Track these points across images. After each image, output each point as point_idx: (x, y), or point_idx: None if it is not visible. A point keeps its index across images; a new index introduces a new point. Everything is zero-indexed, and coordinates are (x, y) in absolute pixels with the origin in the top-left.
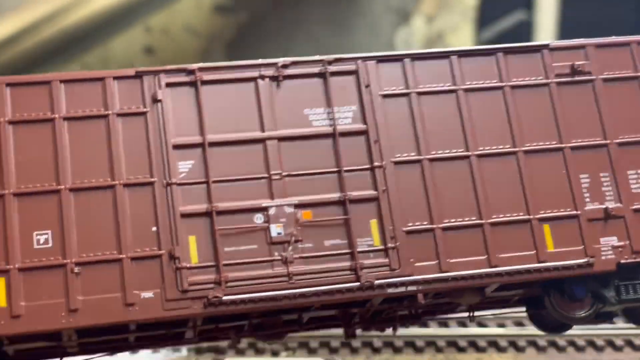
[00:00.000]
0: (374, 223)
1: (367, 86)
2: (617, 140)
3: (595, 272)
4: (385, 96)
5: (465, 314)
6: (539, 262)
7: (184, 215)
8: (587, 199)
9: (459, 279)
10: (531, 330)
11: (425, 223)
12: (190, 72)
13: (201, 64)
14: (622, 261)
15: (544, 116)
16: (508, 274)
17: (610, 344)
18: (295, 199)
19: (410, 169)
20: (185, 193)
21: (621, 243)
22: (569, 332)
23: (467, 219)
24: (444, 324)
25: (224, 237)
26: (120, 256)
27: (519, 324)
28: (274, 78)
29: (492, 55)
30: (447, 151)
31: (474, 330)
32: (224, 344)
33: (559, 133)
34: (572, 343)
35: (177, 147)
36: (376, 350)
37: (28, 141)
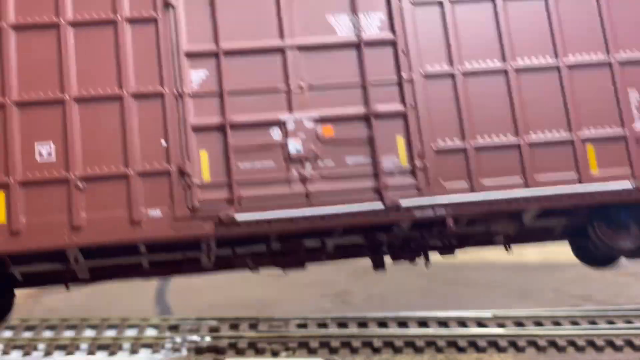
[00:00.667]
0: (400, 140)
1: None
2: None
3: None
4: (416, 4)
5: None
6: (582, 183)
7: (196, 129)
8: (636, 118)
9: (492, 202)
10: (531, 330)
11: (456, 141)
12: None
13: None
14: None
15: (590, 25)
16: (547, 198)
17: (610, 344)
18: (316, 113)
19: (441, 82)
20: (197, 105)
21: None
22: (569, 332)
23: (502, 137)
24: (444, 323)
25: (237, 153)
26: (127, 171)
27: (519, 324)
28: None
29: None
30: (483, 64)
31: (474, 330)
32: (223, 343)
33: (606, 44)
34: (572, 343)
35: (189, 55)
36: (376, 350)
37: (31, 47)
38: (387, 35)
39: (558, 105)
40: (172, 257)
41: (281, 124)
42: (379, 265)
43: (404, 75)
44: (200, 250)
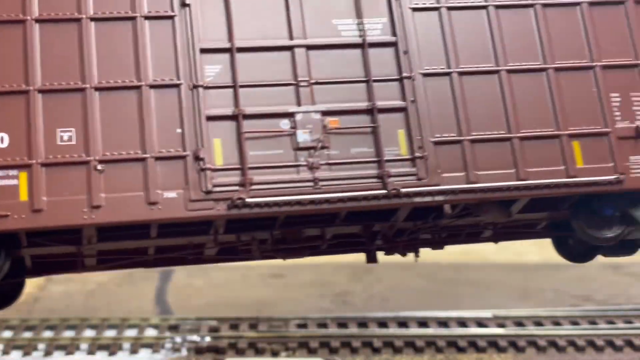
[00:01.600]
0: (401, 133)
1: None
2: None
3: (624, 190)
4: (415, 9)
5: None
6: (569, 177)
7: (210, 118)
8: (618, 118)
9: (487, 190)
10: (531, 330)
11: (453, 135)
12: None
13: None
14: None
15: (575, 35)
16: (537, 187)
17: (610, 344)
18: (323, 106)
19: (439, 81)
20: (211, 96)
21: None
22: (569, 332)
23: (495, 132)
24: (444, 324)
25: (249, 141)
26: (145, 155)
27: (519, 324)
28: None
29: None
30: (477, 65)
31: (473, 330)
32: (223, 343)
33: (590, 52)
34: (572, 343)
35: (204, 51)
36: (376, 351)
37: (54, 40)
38: (389, 37)
39: (546, 105)
40: (178, 241)
41: (290, 116)
42: (372, 258)
43: (405, 73)
44: (208, 234)
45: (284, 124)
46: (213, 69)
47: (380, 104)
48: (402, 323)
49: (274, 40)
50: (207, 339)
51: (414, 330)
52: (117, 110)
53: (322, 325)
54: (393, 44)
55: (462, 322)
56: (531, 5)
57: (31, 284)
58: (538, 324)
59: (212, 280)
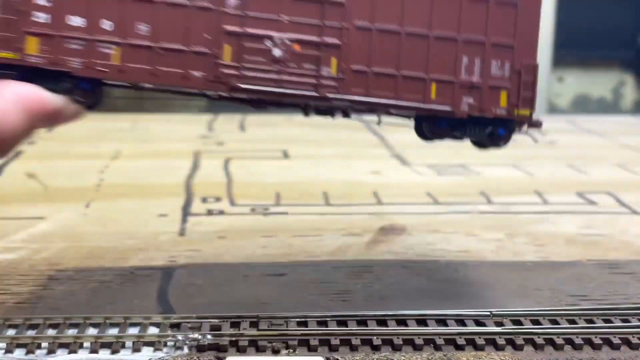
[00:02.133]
0: (334, 60)
1: None
2: (491, 41)
3: (454, 116)
4: None
5: None
6: (425, 104)
7: (226, 33)
8: (463, 73)
9: (375, 103)
10: (529, 329)
11: (363, 67)
12: None
13: None
14: (471, 113)
15: (452, 18)
16: (408, 108)
17: (607, 342)
18: (292, 36)
19: (362, 33)
20: (229, 20)
21: (474, 103)
22: (567, 330)
23: (392, 71)
24: (442, 322)
25: (246, 51)
26: (186, 48)
27: (517, 322)
28: None
29: None
30: (388, 25)
31: (472, 328)
32: (225, 341)
33: (459, 32)
34: (569, 341)
35: None
36: (375, 348)
37: None
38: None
39: (424, 59)
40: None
41: (272, 38)
42: (306, 114)
43: (345, 26)
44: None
45: (268, 43)
46: (233, 2)
47: (326, 40)
48: (401, 321)
49: None
50: (209, 337)
51: (413, 329)
52: (165, 19)
53: (322, 323)
54: (341, 3)
55: (461, 321)
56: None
57: (34, 283)
58: (536, 322)
59: (214, 279)
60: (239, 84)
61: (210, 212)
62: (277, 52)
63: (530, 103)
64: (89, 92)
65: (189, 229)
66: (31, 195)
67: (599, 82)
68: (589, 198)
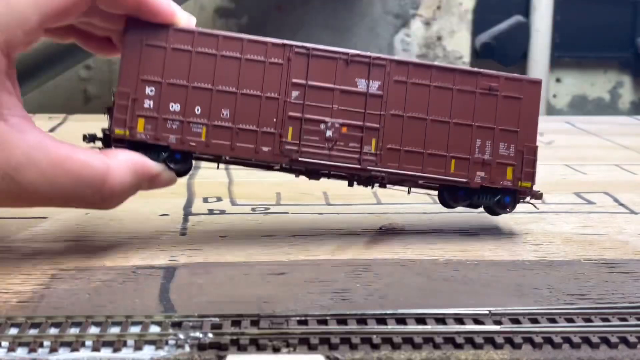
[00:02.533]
0: (374, 140)
1: (389, 73)
2: (499, 127)
3: (470, 186)
4: (395, 81)
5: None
6: (446, 176)
7: (289, 117)
8: (477, 152)
9: (406, 175)
10: (527, 327)
11: (397, 146)
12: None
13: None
14: (483, 184)
15: (468, 107)
16: (432, 179)
17: (605, 341)
18: (341, 121)
19: (396, 119)
20: (292, 107)
21: (486, 176)
22: (565, 329)
23: (419, 149)
24: (441, 320)
25: (305, 131)
26: (257, 129)
27: (516, 321)
28: (346, 61)
29: (451, 72)
30: (417, 114)
31: (470, 327)
32: (226, 340)
33: (474, 119)
34: (567, 340)
35: (293, 84)
36: (375, 347)
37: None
38: (379, 92)
39: (445, 141)
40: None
41: (326, 122)
42: (350, 184)
43: (382, 112)
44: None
45: (322, 126)
46: (295, 93)
47: (367, 124)
48: (401, 320)
49: (326, 84)
50: (210, 335)
51: (412, 327)
52: (246, 106)
53: (322, 322)
54: (380, 96)
55: (460, 319)
56: (450, 89)
57: (36, 282)
58: (534, 321)
59: (215, 279)
60: (299, 158)
61: (211, 212)
62: (329, 133)
63: (532, 177)
64: (181, 161)
65: (190, 228)
66: None
67: (597, 83)
68: (587, 198)
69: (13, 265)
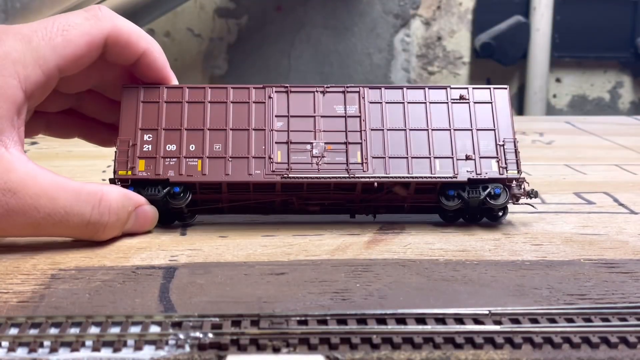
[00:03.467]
0: (358, 153)
1: (363, 97)
2: (478, 129)
3: (457, 182)
4: (371, 102)
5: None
6: (433, 175)
7: (277, 142)
8: (459, 151)
9: (393, 178)
10: (527, 327)
11: (381, 154)
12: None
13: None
14: (470, 177)
15: (444, 115)
16: (420, 179)
17: (605, 341)
18: (325, 141)
19: (377, 133)
20: (278, 135)
21: (471, 170)
22: (565, 329)
23: (403, 155)
24: (441, 320)
25: (292, 152)
26: (248, 156)
27: (515, 321)
28: (322, 92)
29: (422, 89)
30: (396, 127)
31: (470, 327)
32: (226, 340)
33: (451, 124)
34: (567, 340)
35: (276, 116)
36: (375, 347)
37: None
38: (357, 113)
39: (426, 145)
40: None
41: (311, 144)
42: (352, 216)
43: (363, 128)
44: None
45: (309, 147)
46: (279, 124)
47: (350, 141)
48: (401, 320)
49: (308, 112)
50: (210, 335)
51: (412, 327)
52: (238, 139)
53: (322, 322)
54: (358, 116)
55: (459, 319)
56: (424, 103)
57: (36, 283)
58: (534, 321)
59: (214, 278)
60: (289, 175)
61: (211, 212)
62: (315, 152)
63: (516, 165)
64: (179, 196)
65: (190, 228)
66: None
67: (597, 83)
68: (587, 198)
69: (13, 265)
